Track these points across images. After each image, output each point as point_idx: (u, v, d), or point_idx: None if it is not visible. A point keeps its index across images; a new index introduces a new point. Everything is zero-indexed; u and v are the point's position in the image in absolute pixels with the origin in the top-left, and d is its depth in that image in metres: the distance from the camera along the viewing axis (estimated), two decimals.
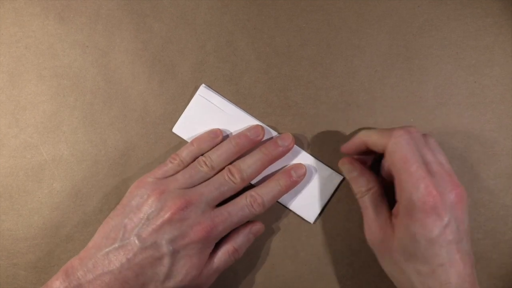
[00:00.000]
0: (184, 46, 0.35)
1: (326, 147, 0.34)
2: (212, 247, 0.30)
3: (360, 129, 0.34)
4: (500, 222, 0.34)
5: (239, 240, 0.31)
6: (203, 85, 0.34)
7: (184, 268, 0.28)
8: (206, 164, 0.31)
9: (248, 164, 0.31)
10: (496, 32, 0.34)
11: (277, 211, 0.34)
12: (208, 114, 0.34)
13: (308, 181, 0.33)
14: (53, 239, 0.34)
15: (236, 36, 0.34)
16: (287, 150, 0.32)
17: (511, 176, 0.33)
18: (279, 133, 0.34)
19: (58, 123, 0.34)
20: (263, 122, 0.34)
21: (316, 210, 0.34)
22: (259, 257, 0.34)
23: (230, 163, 0.32)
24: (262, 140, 0.33)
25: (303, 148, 0.34)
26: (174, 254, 0.27)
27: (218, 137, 0.32)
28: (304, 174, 0.33)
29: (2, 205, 0.34)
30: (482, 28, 0.34)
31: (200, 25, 0.34)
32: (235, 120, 0.34)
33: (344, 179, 0.34)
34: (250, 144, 0.32)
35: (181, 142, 0.34)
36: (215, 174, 0.31)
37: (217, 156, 0.31)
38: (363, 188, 0.30)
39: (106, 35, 0.34)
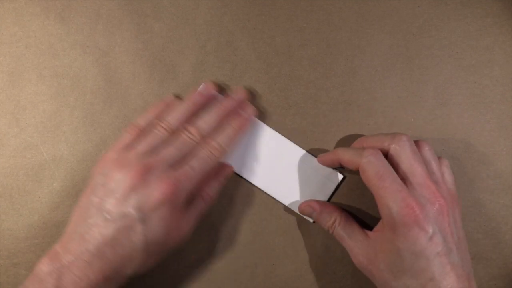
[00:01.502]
0: (184, 46, 0.35)
1: (326, 147, 0.34)
2: (185, 202, 0.29)
3: (358, 135, 0.34)
4: (501, 222, 0.34)
5: (212, 187, 0.32)
6: (203, 84, 0.34)
7: (160, 231, 0.28)
8: (163, 127, 0.30)
9: (205, 120, 0.31)
10: (496, 32, 0.34)
11: (277, 211, 0.34)
12: None
13: (308, 181, 0.34)
14: (54, 238, 0.34)
15: (236, 36, 0.34)
16: (240, 100, 0.33)
17: (511, 176, 0.34)
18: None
19: (58, 123, 0.34)
20: (263, 122, 0.34)
21: None
22: (259, 257, 0.34)
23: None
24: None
25: (303, 148, 0.34)
26: (145, 219, 0.27)
27: (172, 101, 0.33)
28: (253, 110, 0.33)
29: (2, 205, 0.34)
30: (482, 28, 0.34)
31: (200, 25, 0.34)
32: None
33: (344, 177, 0.34)
34: (204, 100, 0.32)
35: None
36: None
37: (172, 117, 0.31)
38: (328, 223, 0.31)
39: (106, 35, 0.34)
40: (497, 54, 0.34)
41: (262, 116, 0.34)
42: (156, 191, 0.27)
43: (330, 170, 0.34)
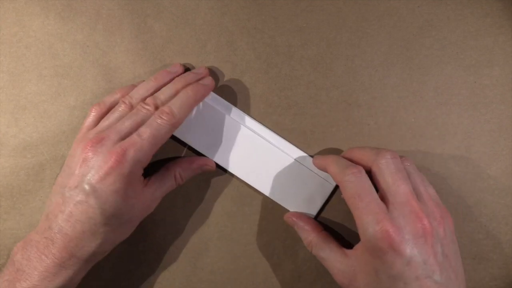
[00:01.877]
0: (184, 46, 0.35)
1: (326, 147, 0.34)
2: (138, 171, 0.29)
3: (358, 136, 0.34)
4: (502, 222, 0.33)
5: (184, 170, 0.32)
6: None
7: (117, 203, 0.27)
8: (124, 103, 0.30)
9: (163, 91, 0.31)
10: (496, 32, 0.34)
11: (277, 211, 0.34)
12: (209, 116, 0.34)
13: (307, 182, 0.33)
14: None
15: (236, 36, 0.34)
16: (201, 74, 0.33)
17: (511, 176, 0.34)
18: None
19: (58, 123, 0.34)
20: (263, 122, 0.34)
21: (312, 213, 0.34)
22: (259, 257, 0.34)
23: None
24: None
25: (303, 148, 0.34)
26: (96, 192, 0.26)
27: (139, 82, 0.33)
28: (211, 82, 0.33)
29: (3, 205, 0.34)
30: (482, 28, 0.34)
31: (200, 25, 0.35)
32: (237, 124, 0.34)
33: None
34: (168, 76, 0.32)
35: (177, 147, 0.34)
36: None
37: (135, 93, 0.31)
38: (305, 241, 0.31)
39: (106, 34, 0.34)
40: (497, 54, 0.34)
41: (262, 115, 0.34)
42: (103, 162, 0.27)
43: (324, 177, 0.34)
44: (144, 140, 0.28)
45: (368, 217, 0.25)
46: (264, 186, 0.34)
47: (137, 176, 0.29)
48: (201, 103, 0.33)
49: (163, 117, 0.29)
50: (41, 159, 0.34)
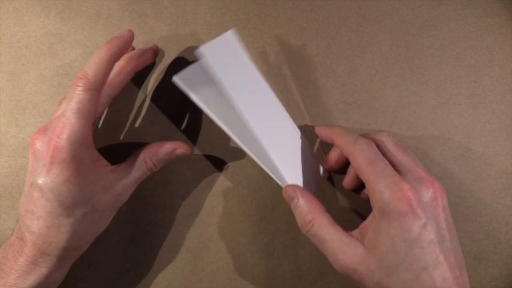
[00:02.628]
0: (184, 46, 0.35)
1: (326, 147, 0.34)
2: (84, 153, 0.27)
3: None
4: (502, 222, 0.33)
5: (160, 157, 0.31)
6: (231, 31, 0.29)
7: (73, 192, 0.26)
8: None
9: (92, 60, 0.27)
10: (496, 32, 0.34)
11: (277, 211, 0.34)
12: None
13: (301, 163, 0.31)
14: None
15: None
16: (126, 39, 0.29)
17: None
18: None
19: None
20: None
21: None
22: (259, 257, 0.34)
23: None
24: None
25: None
26: (47, 184, 0.25)
27: None
28: (128, 33, 0.29)
29: (3, 205, 0.34)
30: (482, 28, 0.34)
31: (200, 25, 0.35)
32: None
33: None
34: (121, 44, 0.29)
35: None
36: None
37: (87, 67, 0.27)
38: (306, 217, 0.27)
39: (106, 35, 0.34)
40: (497, 54, 0.34)
41: None
42: (45, 153, 0.26)
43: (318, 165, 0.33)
44: (69, 117, 0.26)
45: (386, 179, 0.25)
46: (260, 156, 0.30)
47: (85, 159, 0.27)
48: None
49: (78, 84, 0.26)
50: None
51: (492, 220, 0.34)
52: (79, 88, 0.26)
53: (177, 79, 0.29)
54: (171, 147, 0.31)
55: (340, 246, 0.26)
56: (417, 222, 0.24)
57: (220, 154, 0.34)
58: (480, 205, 0.34)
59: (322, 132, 0.32)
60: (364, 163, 0.26)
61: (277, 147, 0.29)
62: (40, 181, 0.26)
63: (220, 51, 0.28)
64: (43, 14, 0.34)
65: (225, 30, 0.34)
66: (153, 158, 0.30)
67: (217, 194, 0.34)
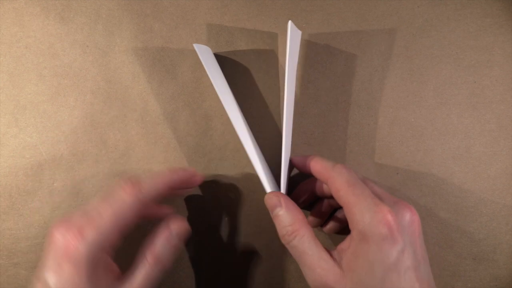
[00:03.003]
0: (184, 46, 0.35)
1: (326, 147, 0.34)
2: (101, 258, 0.25)
3: (358, 135, 0.34)
4: (502, 222, 0.33)
5: (159, 247, 0.27)
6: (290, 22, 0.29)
7: None
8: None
9: (153, 176, 0.27)
10: (496, 32, 0.34)
11: None
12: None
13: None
14: None
15: (236, 36, 0.35)
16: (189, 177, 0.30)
17: (511, 176, 0.33)
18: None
19: (58, 123, 0.34)
20: (263, 123, 0.34)
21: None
22: (259, 257, 0.34)
23: None
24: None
25: (304, 147, 0.34)
26: (51, 282, 0.23)
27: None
28: (196, 175, 0.30)
29: (2, 205, 0.34)
30: (482, 28, 0.34)
31: (200, 25, 0.35)
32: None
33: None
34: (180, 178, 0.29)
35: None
36: None
37: (145, 179, 0.27)
38: (290, 227, 0.26)
39: (106, 35, 0.34)
40: (497, 54, 0.34)
41: (262, 115, 0.34)
42: (60, 247, 0.23)
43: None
44: (104, 217, 0.24)
45: (366, 201, 0.25)
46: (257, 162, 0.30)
47: (100, 265, 0.24)
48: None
49: (127, 188, 0.25)
50: (40, 159, 0.34)
51: (492, 220, 0.34)
52: (127, 194, 0.25)
53: (196, 47, 0.30)
54: (167, 233, 0.27)
55: (319, 262, 0.25)
56: (395, 247, 0.23)
57: (220, 154, 0.34)
58: (480, 205, 0.34)
59: (299, 161, 0.30)
60: (344, 185, 0.26)
61: (259, 152, 0.30)
62: (47, 276, 0.23)
63: (205, 53, 0.30)
64: (43, 14, 0.34)
65: (225, 30, 0.34)
66: (155, 250, 0.27)
67: (217, 194, 0.34)
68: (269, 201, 0.28)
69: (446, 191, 0.34)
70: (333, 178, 0.27)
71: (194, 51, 0.34)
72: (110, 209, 0.24)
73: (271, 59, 0.34)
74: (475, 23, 0.34)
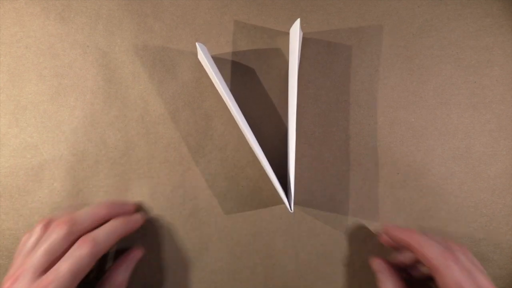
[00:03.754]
0: (184, 46, 0.35)
1: (326, 147, 0.34)
2: None
3: (358, 135, 0.34)
4: (502, 222, 0.33)
5: (120, 273, 0.30)
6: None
7: None
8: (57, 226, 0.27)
9: (106, 227, 0.29)
10: (496, 32, 0.34)
11: (277, 211, 0.34)
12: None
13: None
14: None
15: (236, 36, 0.35)
16: (128, 209, 0.32)
17: (511, 176, 0.33)
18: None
19: (58, 123, 0.34)
20: (263, 123, 0.34)
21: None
22: (259, 257, 0.34)
23: None
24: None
25: (303, 149, 0.34)
26: None
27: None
28: (141, 219, 0.32)
29: (2, 205, 0.34)
30: (482, 28, 0.34)
31: (200, 25, 0.35)
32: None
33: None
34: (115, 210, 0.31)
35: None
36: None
37: (98, 232, 0.28)
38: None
39: (106, 35, 0.34)
40: (497, 54, 0.34)
41: (262, 116, 0.34)
42: None
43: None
44: (62, 277, 0.25)
45: None
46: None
47: None
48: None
49: (83, 246, 0.26)
50: (40, 159, 0.34)
51: (492, 220, 0.34)
52: (85, 251, 0.26)
53: (198, 46, 0.31)
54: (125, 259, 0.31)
55: None
56: None
57: (221, 154, 0.34)
58: (481, 205, 0.34)
59: (395, 234, 0.29)
60: (454, 285, 0.25)
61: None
62: None
63: (204, 53, 0.31)
64: (43, 14, 0.34)
65: (225, 30, 0.34)
66: (117, 277, 0.30)
67: (217, 194, 0.34)
68: (376, 264, 0.31)
69: (446, 191, 0.34)
70: (443, 273, 0.26)
71: (194, 50, 0.35)
72: (68, 266, 0.25)
73: (271, 59, 0.34)
74: (475, 23, 0.34)
